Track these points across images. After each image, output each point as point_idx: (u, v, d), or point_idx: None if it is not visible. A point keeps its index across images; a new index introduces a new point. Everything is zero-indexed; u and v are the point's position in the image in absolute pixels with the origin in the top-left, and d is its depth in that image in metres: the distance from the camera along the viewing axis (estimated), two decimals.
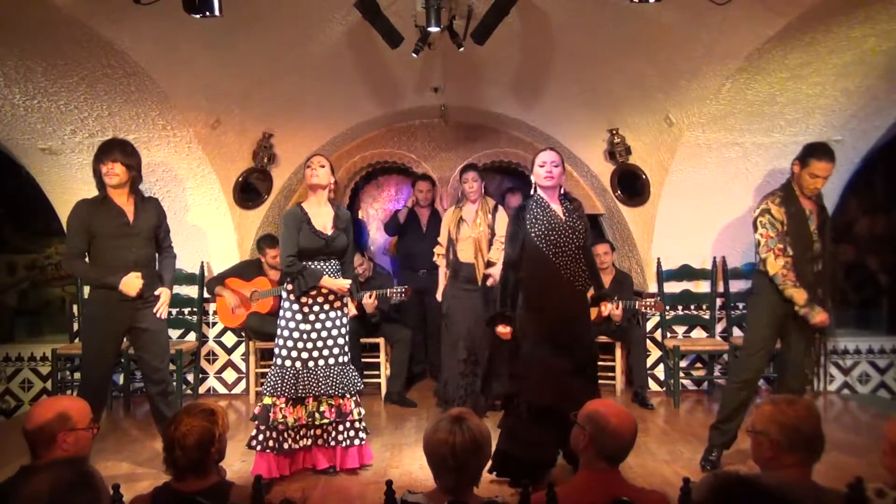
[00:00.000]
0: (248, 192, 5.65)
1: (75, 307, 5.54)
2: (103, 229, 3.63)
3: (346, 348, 3.76)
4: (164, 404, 3.74)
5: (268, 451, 3.57)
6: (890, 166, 5.90)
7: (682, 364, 5.43)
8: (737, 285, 5.51)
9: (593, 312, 3.74)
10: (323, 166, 3.73)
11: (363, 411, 3.80)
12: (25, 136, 4.81)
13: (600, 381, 3.89)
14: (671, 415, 5.00)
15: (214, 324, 5.65)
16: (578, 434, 2.22)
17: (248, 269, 5.40)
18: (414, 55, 4.12)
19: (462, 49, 4.03)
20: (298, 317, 3.65)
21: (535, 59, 4.85)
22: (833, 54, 4.22)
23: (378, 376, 5.49)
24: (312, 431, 3.68)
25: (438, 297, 5.00)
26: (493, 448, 3.51)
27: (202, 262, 5.51)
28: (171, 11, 3.33)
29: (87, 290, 3.78)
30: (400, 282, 5.81)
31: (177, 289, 4.97)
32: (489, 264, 4.74)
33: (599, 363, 4.12)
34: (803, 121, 4.81)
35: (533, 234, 3.43)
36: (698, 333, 5.65)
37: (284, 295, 3.70)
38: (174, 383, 4.82)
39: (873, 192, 6.11)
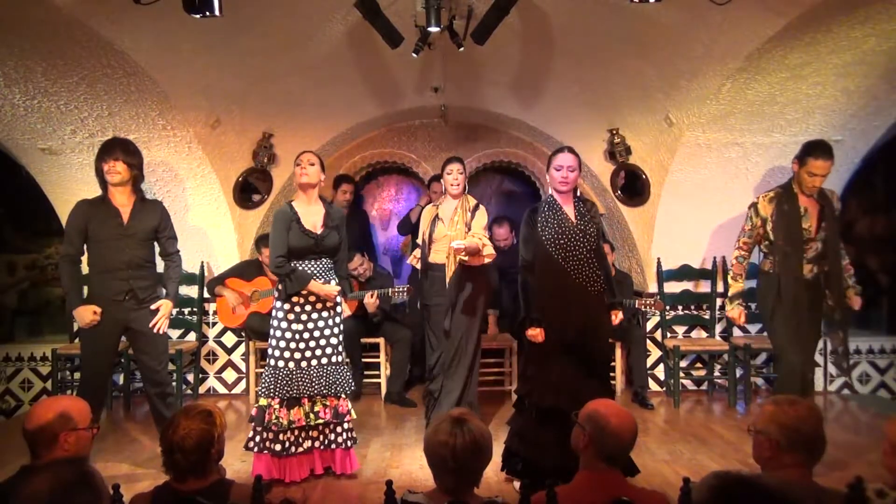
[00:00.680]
0: (248, 192, 5.65)
1: None
2: (99, 230, 3.65)
3: (341, 348, 3.71)
4: (163, 406, 3.74)
5: (265, 452, 3.56)
6: (890, 166, 5.90)
7: (682, 364, 5.43)
8: None
9: None
10: (313, 164, 3.65)
11: (354, 414, 3.75)
12: (25, 136, 4.81)
13: None
14: (671, 415, 5.00)
15: (214, 324, 5.65)
16: (578, 434, 2.22)
17: (248, 269, 5.40)
18: (414, 55, 4.12)
19: (462, 49, 4.03)
20: (290, 317, 3.59)
21: (535, 59, 4.85)
22: (833, 54, 4.22)
23: (378, 376, 5.49)
24: (310, 433, 3.65)
25: None
26: (503, 447, 3.53)
27: (202, 262, 5.51)
28: (171, 11, 3.33)
29: (86, 290, 3.78)
30: (412, 281, 5.79)
31: None
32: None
33: None
34: (803, 121, 4.82)
35: (543, 238, 3.40)
36: (698, 333, 5.65)
37: (276, 295, 3.66)
38: (174, 384, 4.84)
39: (873, 192, 6.10)
